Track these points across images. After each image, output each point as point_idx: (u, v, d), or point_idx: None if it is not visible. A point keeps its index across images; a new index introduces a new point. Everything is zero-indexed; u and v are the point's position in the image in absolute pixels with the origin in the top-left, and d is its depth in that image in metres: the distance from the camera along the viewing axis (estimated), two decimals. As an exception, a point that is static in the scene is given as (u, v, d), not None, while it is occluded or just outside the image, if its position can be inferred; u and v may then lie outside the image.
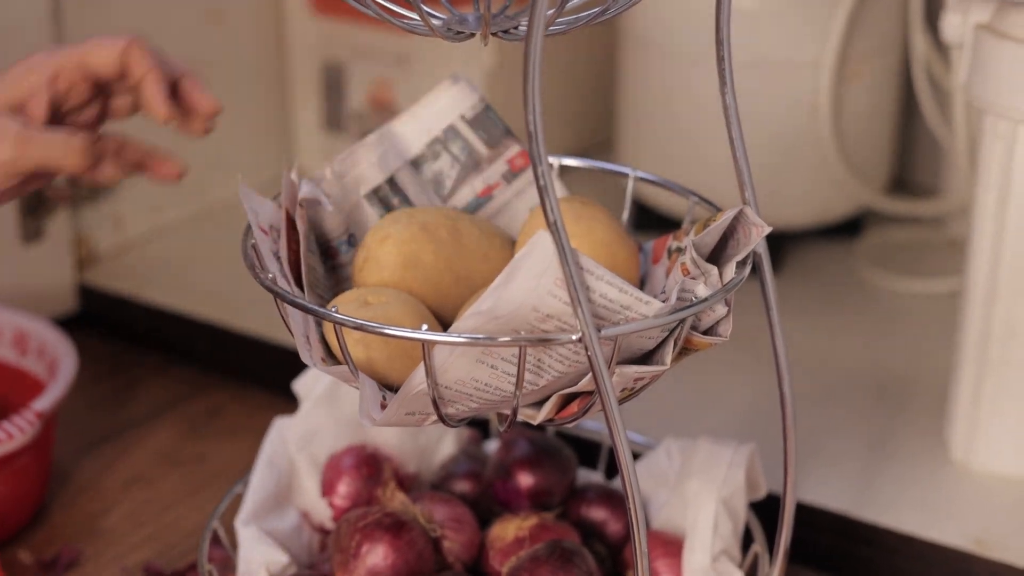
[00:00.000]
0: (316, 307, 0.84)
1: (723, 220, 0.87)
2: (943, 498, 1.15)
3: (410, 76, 1.56)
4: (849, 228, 1.57)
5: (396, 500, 1.04)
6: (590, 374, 0.80)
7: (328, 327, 0.88)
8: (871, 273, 1.51)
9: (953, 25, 1.14)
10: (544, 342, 0.79)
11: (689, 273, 0.86)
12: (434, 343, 0.80)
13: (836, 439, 1.22)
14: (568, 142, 1.67)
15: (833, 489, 1.15)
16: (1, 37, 1.32)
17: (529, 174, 1.01)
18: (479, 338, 0.79)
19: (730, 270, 0.86)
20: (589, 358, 0.79)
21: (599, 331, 0.79)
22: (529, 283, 0.78)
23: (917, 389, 1.30)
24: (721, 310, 0.87)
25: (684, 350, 0.86)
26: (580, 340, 0.79)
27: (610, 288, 0.80)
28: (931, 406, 1.25)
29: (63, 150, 0.92)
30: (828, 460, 1.19)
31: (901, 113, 1.58)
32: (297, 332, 0.89)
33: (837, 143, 1.46)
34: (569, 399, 0.87)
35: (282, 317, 0.89)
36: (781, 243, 1.50)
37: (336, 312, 0.82)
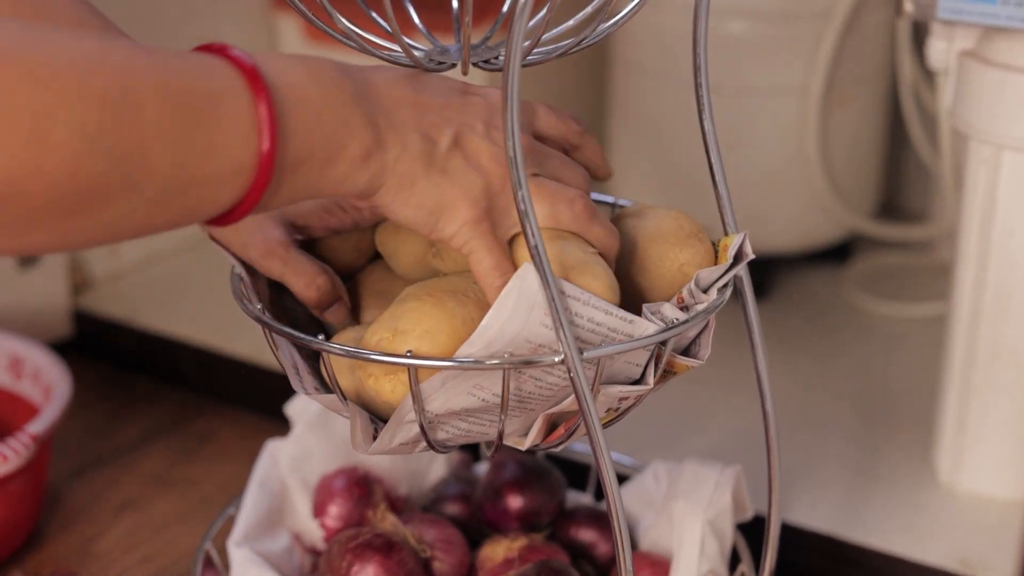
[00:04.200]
0: (302, 335, 0.84)
1: (728, 262, 0.88)
2: (929, 519, 1.16)
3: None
4: (837, 253, 1.57)
5: (387, 521, 1.05)
6: (574, 395, 0.81)
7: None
8: (859, 298, 1.52)
9: (938, 51, 1.16)
10: (528, 364, 0.80)
11: (683, 302, 0.87)
12: (420, 368, 0.81)
13: (824, 461, 1.23)
14: (560, 168, 1.68)
15: (821, 510, 1.16)
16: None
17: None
18: (463, 361, 0.80)
19: (712, 293, 0.87)
20: (572, 380, 0.80)
21: (581, 352, 0.80)
22: (520, 317, 0.79)
23: (904, 412, 1.31)
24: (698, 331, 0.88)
25: (667, 373, 0.87)
26: (563, 361, 0.80)
27: (596, 311, 0.81)
28: (918, 429, 1.26)
29: (304, 282, 0.90)
30: (816, 482, 1.20)
31: (889, 138, 1.59)
32: (286, 362, 0.90)
33: (825, 168, 1.47)
34: (556, 423, 0.88)
35: (271, 347, 0.90)
36: (769, 268, 1.51)
37: (322, 340, 0.83)
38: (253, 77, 0.72)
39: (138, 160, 0.68)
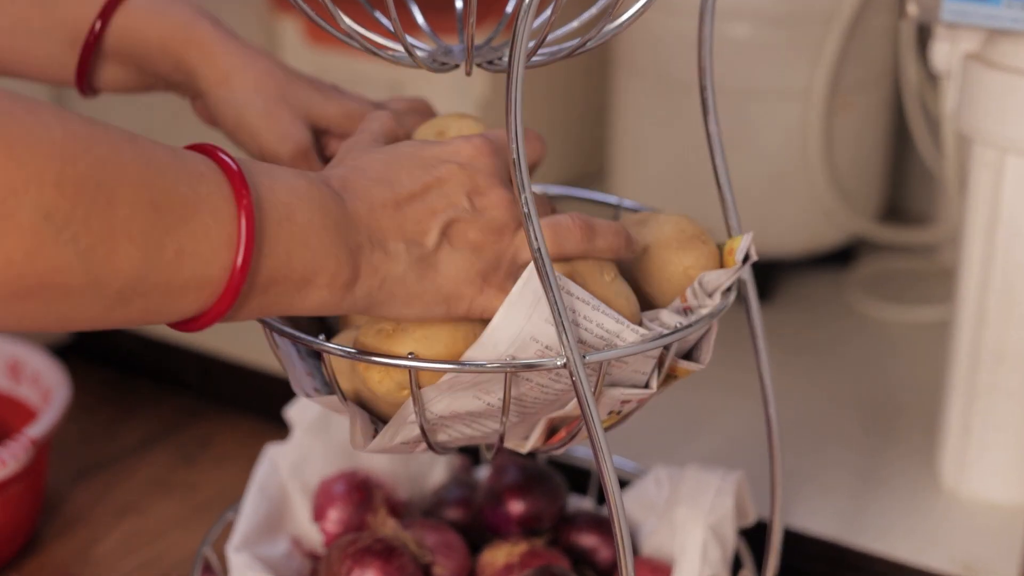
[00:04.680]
0: (303, 335, 0.84)
1: (737, 265, 0.88)
2: (932, 525, 1.16)
3: (404, 105, 1.56)
4: (841, 257, 1.57)
5: (387, 526, 1.04)
6: (575, 399, 0.81)
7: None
8: (863, 302, 1.51)
9: (942, 54, 1.15)
10: (530, 367, 0.80)
11: (687, 302, 0.87)
12: (421, 371, 0.81)
13: (827, 466, 1.22)
14: (562, 171, 1.68)
15: (823, 516, 1.15)
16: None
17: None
18: (465, 365, 0.79)
19: (715, 297, 0.87)
20: (574, 383, 0.79)
21: (584, 356, 0.79)
22: (524, 312, 0.79)
23: (908, 417, 1.31)
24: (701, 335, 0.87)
25: (668, 377, 0.87)
26: (565, 366, 0.79)
27: (606, 318, 0.81)
28: (921, 433, 1.26)
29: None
30: (819, 487, 1.19)
31: (893, 141, 1.59)
32: (287, 362, 0.90)
33: (828, 172, 1.46)
34: (557, 426, 0.88)
35: (271, 347, 0.90)
36: (773, 272, 1.51)
37: (323, 340, 0.83)
38: (239, 187, 0.70)
39: (103, 256, 0.66)
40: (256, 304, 0.73)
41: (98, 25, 0.93)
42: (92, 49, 0.94)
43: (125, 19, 0.94)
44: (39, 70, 0.97)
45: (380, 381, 0.82)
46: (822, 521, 1.15)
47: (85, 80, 0.96)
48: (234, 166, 0.71)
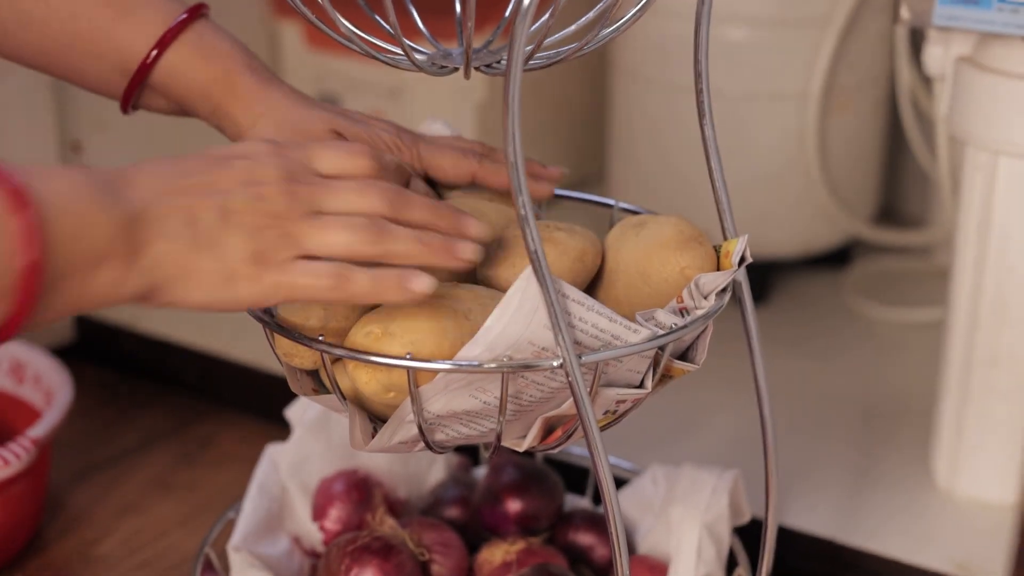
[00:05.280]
0: (302, 335, 0.85)
1: (733, 268, 0.89)
2: (927, 524, 1.16)
3: (403, 108, 1.57)
4: (837, 258, 1.58)
5: (386, 525, 1.05)
6: (571, 399, 0.82)
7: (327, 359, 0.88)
8: (859, 303, 1.52)
9: (935, 57, 1.16)
10: (527, 368, 0.81)
11: (683, 302, 0.87)
12: (419, 371, 0.82)
13: (822, 466, 1.23)
14: (560, 173, 1.69)
15: (819, 515, 1.16)
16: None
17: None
18: (462, 364, 0.80)
19: (711, 299, 0.87)
20: (570, 383, 0.80)
21: (579, 356, 0.80)
22: (523, 319, 0.79)
23: (903, 417, 1.31)
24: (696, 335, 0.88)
25: (663, 377, 0.88)
26: (561, 366, 0.80)
27: (600, 318, 0.81)
28: (916, 433, 1.26)
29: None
30: (814, 486, 1.20)
31: (888, 143, 1.59)
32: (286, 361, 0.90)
33: (824, 174, 1.47)
34: (554, 425, 0.88)
35: (271, 346, 0.90)
36: (769, 273, 1.52)
37: (322, 340, 0.84)
38: (18, 195, 0.72)
39: None
40: (60, 300, 0.75)
41: (152, 56, 0.96)
42: (140, 81, 0.98)
43: (174, 59, 0.97)
44: (91, 86, 1.01)
45: (367, 382, 0.83)
46: (817, 520, 1.15)
47: (129, 104, 1.00)
48: (8, 174, 0.73)
